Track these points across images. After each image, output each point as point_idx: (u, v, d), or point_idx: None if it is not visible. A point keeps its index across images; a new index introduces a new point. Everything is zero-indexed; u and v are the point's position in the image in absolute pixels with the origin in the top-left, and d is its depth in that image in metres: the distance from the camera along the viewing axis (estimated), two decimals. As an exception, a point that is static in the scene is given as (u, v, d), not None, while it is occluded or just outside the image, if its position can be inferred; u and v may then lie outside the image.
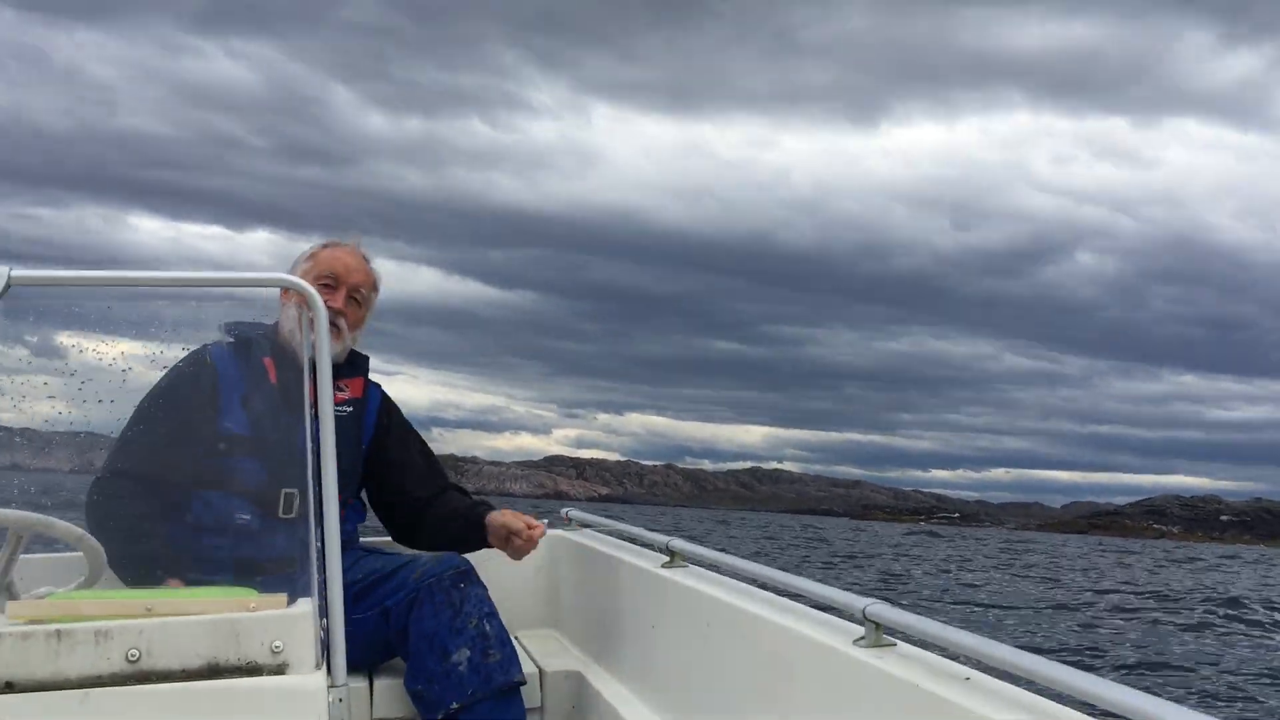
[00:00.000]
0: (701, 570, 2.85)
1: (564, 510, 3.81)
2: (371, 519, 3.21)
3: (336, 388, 2.97)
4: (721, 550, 2.89)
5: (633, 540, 3.36)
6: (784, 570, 2.42)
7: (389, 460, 3.11)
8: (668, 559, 2.97)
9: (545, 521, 3.23)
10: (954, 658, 1.82)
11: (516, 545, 2.98)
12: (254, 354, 2.86)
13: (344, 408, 2.98)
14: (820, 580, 2.25)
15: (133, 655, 1.66)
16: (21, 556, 2.14)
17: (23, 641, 1.62)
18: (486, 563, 2.94)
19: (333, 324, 2.85)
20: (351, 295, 2.96)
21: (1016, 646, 1.68)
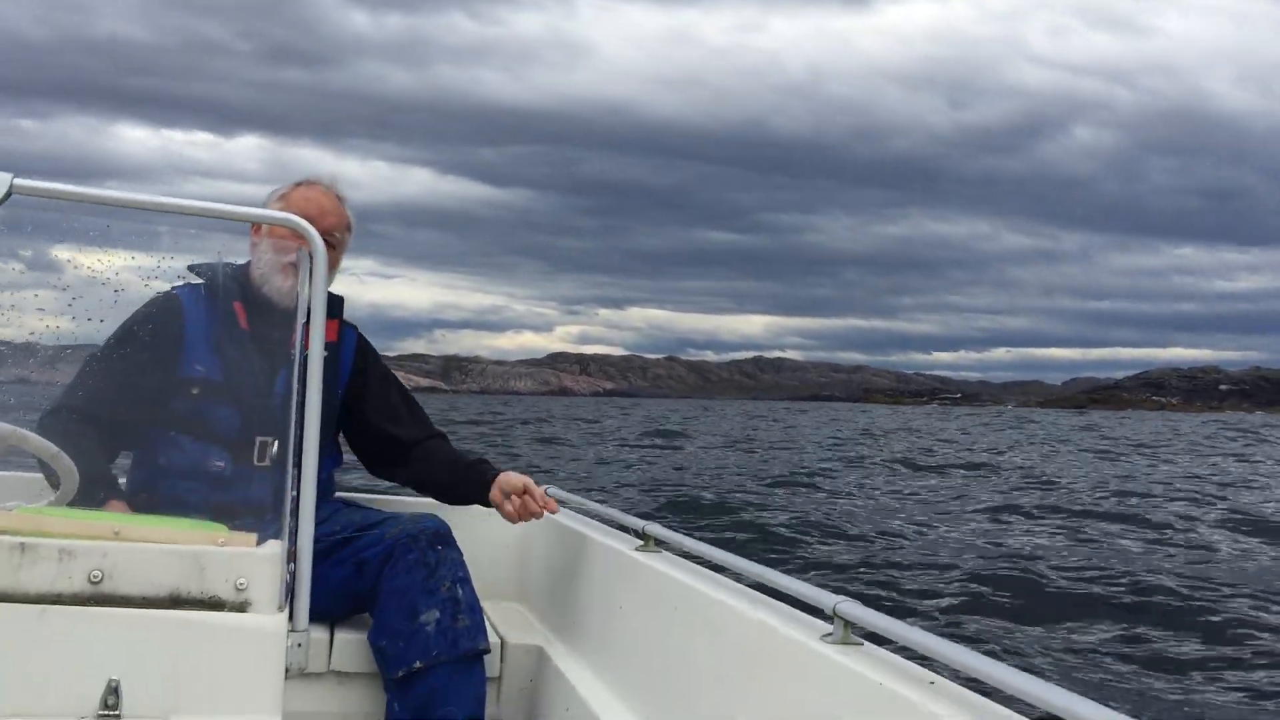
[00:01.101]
0: (674, 556, 2.82)
1: (545, 487, 3.78)
2: (350, 463, 3.21)
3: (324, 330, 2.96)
4: (691, 534, 2.87)
5: (609, 521, 3.35)
6: (758, 562, 2.39)
7: (369, 406, 3.08)
8: (642, 543, 2.95)
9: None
10: (921, 660, 1.80)
11: (529, 506, 2.97)
12: (223, 297, 2.81)
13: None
14: (792, 572, 2.21)
15: (95, 576, 1.65)
16: None
17: None
18: (460, 528, 2.91)
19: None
20: (326, 238, 2.90)
21: (983, 653, 1.65)
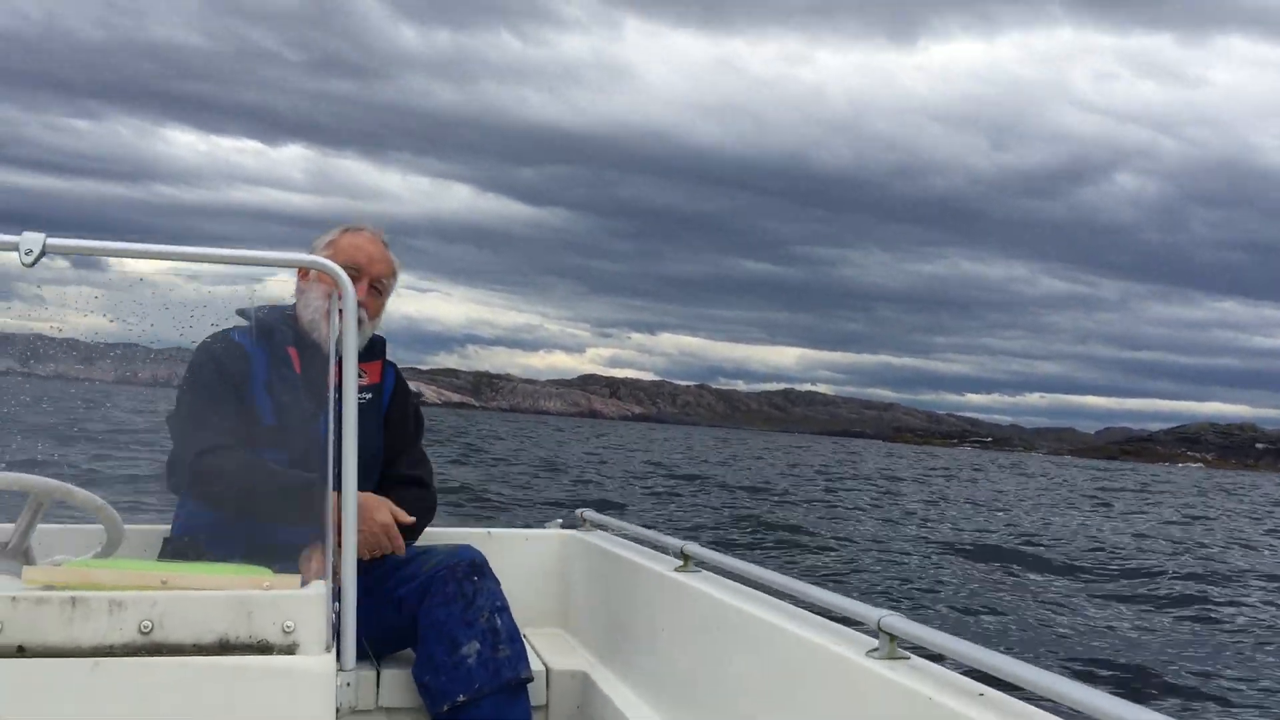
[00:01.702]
0: (714, 575, 2.83)
1: (579, 510, 3.81)
2: None
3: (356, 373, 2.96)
4: (730, 553, 2.87)
5: (647, 543, 3.34)
6: (799, 579, 2.39)
7: (390, 435, 3.06)
8: (681, 562, 2.96)
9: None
10: (968, 672, 1.79)
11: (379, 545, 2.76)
12: (277, 341, 2.83)
13: (363, 394, 2.94)
14: (835, 589, 2.23)
15: (145, 626, 1.66)
16: (40, 524, 2.14)
17: (37, 606, 1.63)
18: (496, 557, 2.93)
19: None
20: (373, 285, 2.93)
21: (1032, 662, 1.66)
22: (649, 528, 3.47)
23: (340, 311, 1.97)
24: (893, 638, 1.93)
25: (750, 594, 2.57)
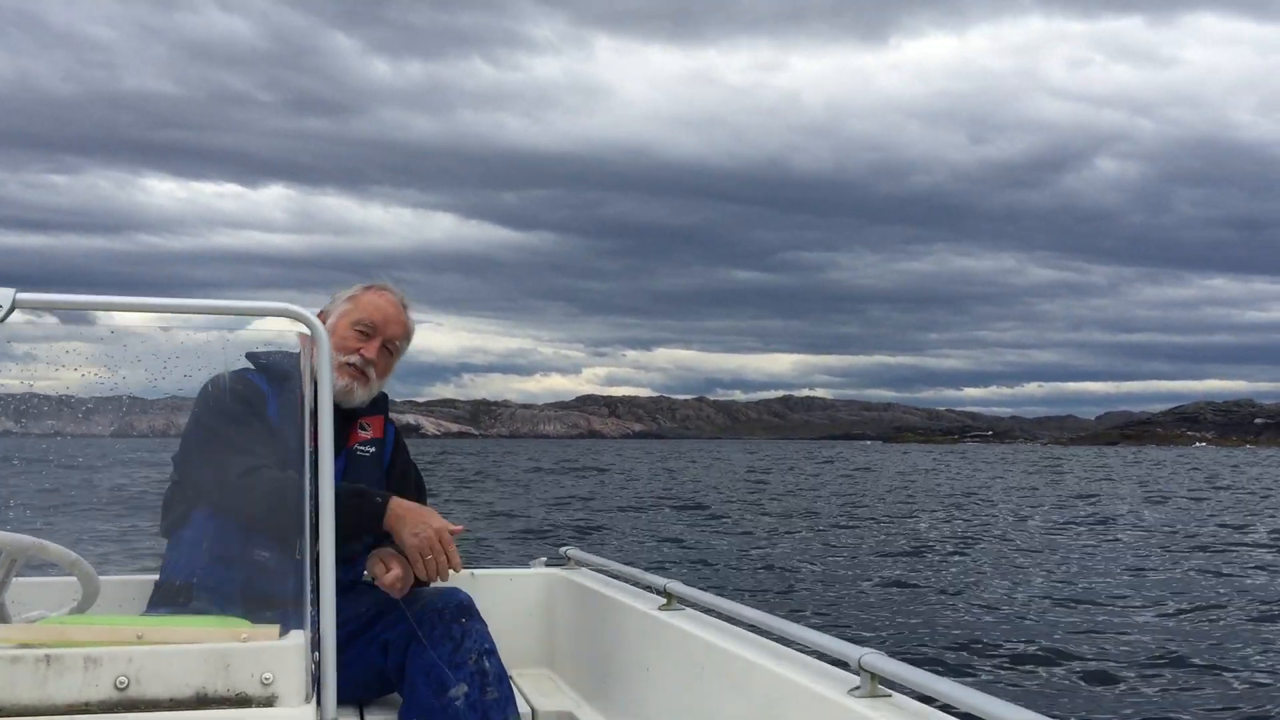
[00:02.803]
0: (698, 613, 2.83)
1: (564, 549, 3.79)
2: None
3: (360, 427, 2.98)
4: (718, 593, 2.87)
5: (631, 581, 3.34)
6: (781, 616, 2.39)
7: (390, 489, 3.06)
8: (664, 601, 2.95)
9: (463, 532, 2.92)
10: (949, 710, 1.77)
11: (431, 571, 2.70)
12: (290, 385, 2.80)
13: (367, 448, 2.98)
14: (817, 626, 2.21)
15: (121, 683, 1.64)
16: (15, 579, 2.12)
17: (11, 665, 1.60)
18: (483, 598, 2.92)
19: (361, 372, 2.86)
20: (385, 345, 2.93)
21: (1014, 701, 1.62)
22: (629, 564, 3.47)
23: (314, 354, 1.97)
24: (874, 676, 1.92)
25: (733, 632, 2.56)
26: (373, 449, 2.98)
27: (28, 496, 2.20)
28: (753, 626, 2.50)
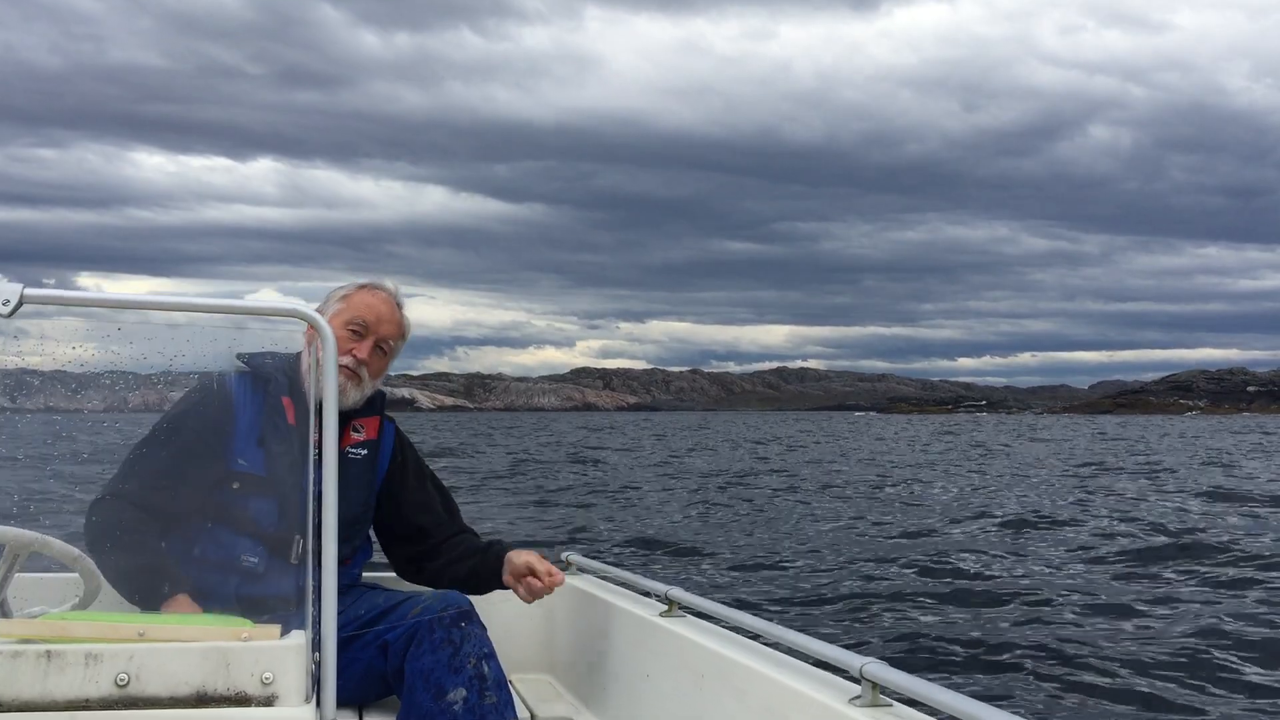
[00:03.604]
0: (699, 620, 2.82)
1: (564, 554, 3.78)
2: (376, 555, 3.18)
3: (353, 429, 2.95)
4: (720, 600, 2.86)
5: (631, 586, 3.34)
6: (783, 625, 2.40)
7: (404, 499, 3.07)
8: (666, 608, 2.95)
9: (565, 570, 3.19)
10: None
11: (534, 586, 2.92)
12: (273, 391, 2.78)
13: (359, 450, 2.96)
14: (820, 635, 2.23)
15: (121, 680, 1.65)
16: (17, 575, 2.13)
17: (12, 660, 1.61)
18: (484, 604, 2.91)
19: (354, 373, 2.84)
20: (379, 345, 2.91)
21: (1015, 712, 1.64)
22: (629, 569, 3.47)
23: (322, 356, 1.94)
24: (875, 685, 1.93)
25: (734, 639, 2.57)
26: (365, 451, 2.96)
27: (29, 492, 2.21)
28: (754, 634, 2.51)
